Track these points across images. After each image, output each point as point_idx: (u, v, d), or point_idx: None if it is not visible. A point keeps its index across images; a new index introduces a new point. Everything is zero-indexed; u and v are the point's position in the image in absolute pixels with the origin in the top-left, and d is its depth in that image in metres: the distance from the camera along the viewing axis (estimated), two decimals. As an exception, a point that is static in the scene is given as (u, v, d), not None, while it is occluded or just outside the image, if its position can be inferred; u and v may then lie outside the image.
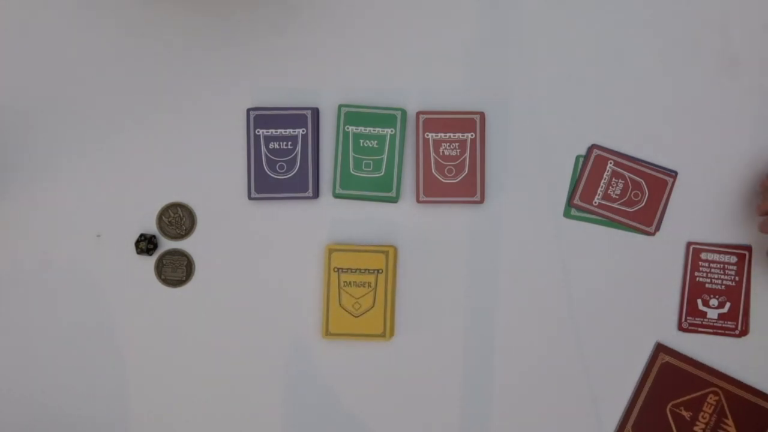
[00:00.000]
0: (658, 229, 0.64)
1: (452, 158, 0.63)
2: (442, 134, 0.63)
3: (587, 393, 0.64)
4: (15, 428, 0.65)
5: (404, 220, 0.65)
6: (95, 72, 0.65)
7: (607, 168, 0.62)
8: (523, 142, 0.65)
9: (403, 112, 0.64)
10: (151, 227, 0.65)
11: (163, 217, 0.65)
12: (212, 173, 0.65)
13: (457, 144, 0.63)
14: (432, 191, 0.63)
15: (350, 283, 0.63)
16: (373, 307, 0.63)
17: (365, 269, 0.63)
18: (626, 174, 0.61)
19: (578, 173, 0.63)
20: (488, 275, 0.64)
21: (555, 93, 0.65)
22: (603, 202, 0.62)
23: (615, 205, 0.63)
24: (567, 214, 0.64)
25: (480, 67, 0.65)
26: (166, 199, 0.65)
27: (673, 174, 0.63)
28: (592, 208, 0.62)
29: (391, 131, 0.64)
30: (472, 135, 0.63)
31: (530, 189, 0.65)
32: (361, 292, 0.63)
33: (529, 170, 0.65)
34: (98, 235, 0.65)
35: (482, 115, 0.63)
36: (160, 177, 0.65)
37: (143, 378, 0.65)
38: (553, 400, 0.64)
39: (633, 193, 0.62)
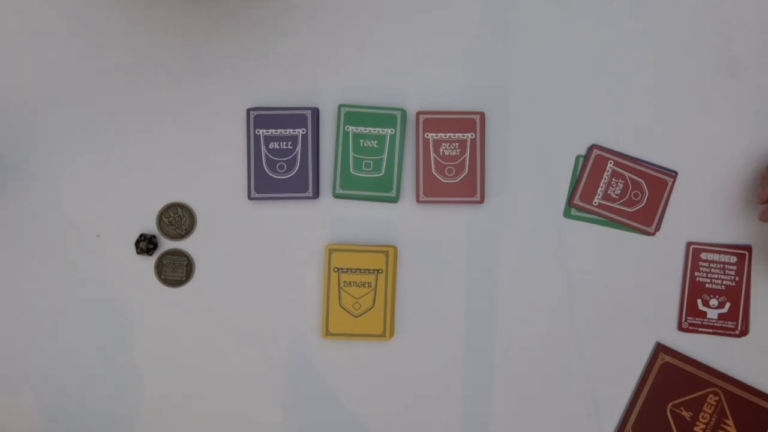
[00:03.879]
0: (658, 229, 0.64)
1: (452, 158, 0.63)
2: (442, 134, 0.63)
3: (587, 393, 0.64)
4: (15, 428, 0.65)
5: (404, 220, 0.65)
6: (95, 72, 0.65)
7: (607, 168, 0.62)
8: (523, 142, 0.65)
9: (403, 112, 0.64)
10: (151, 227, 0.65)
11: (163, 217, 0.65)
12: (212, 173, 0.65)
13: (457, 144, 0.63)
14: (432, 191, 0.63)
15: (350, 283, 0.63)
16: (373, 307, 0.63)
17: (365, 269, 0.63)
18: (626, 174, 0.62)
19: (578, 173, 0.63)
20: (488, 275, 0.64)
21: (555, 93, 0.65)
22: (603, 202, 0.62)
23: (615, 205, 0.63)
24: (567, 215, 0.64)
25: (480, 67, 0.65)
26: (166, 199, 0.65)
27: (673, 174, 0.63)
28: (592, 208, 0.63)
29: (391, 131, 0.64)
30: (472, 135, 0.63)
31: (530, 189, 0.65)
32: (361, 292, 0.63)
33: (529, 170, 0.65)
34: (98, 235, 0.65)
35: (482, 115, 0.63)
36: (160, 177, 0.65)
37: (143, 378, 0.65)
38: (553, 400, 0.64)
39: (633, 193, 0.62)
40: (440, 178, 0.63)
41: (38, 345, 0.65)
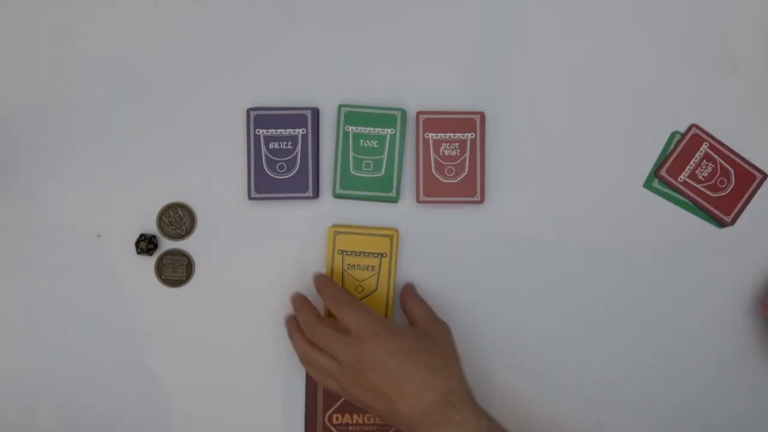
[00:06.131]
0: (734, 221, 0.64)
1: (452, 158, 0.63)
2: (442, 134, 0.63)
3: (587, 393, 0.64)
4: (14, 428, 0.65)
5: (404, 220, 0.65)
6: (95, 72, 0.65)
7: (701, 149, 0.62)
8: (523, 142, 0.65)
9: (403, 112, 0.64)
10: (151, 227, 0.65)
11: (163, 217, 0.65)
12: (212, 173, 0.65)
13: (457, 144, 0.63)
14: (432, 191, 0.63)
15: (354, 266, 0.63)
16: (376, 290, 0.63)
17: (370, 253, 0.63)
18: (718, 159, 0.62)
19: (670, 149, 0.63)
20: (488, 275, 0.64)
21: (555, 93, 0.65)
22: (688, 181, 0.62)
23: (699, 186, 0.62)
24: (648, 185, 0.63)
25: (480, 67, 0.65)
26: (166, 199, 0.65)
27: (764, 174, 0.63)
28: (677, 183, 0.62)
29: (391, 131, 0.64)
30: (472, 135, 0.63)
31: (530, 189, 0.64)
32: (365, 275, 0.63)
33: (529, 170, 0.65)
34: (98, 235, 0.65)
35: (482, 115, 0.63)
36: (160, 177, 0.65)
37: (143, 378, 0.65)
38: (553, 399, 0.64)
39: (719, 179, 0.62)
40: (440, 178, 0.63)
41: (37, 345, 0.65)
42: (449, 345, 0.58)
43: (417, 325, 0.59)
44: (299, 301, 0.61)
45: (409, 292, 0.62)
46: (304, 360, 0.59)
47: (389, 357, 0.54)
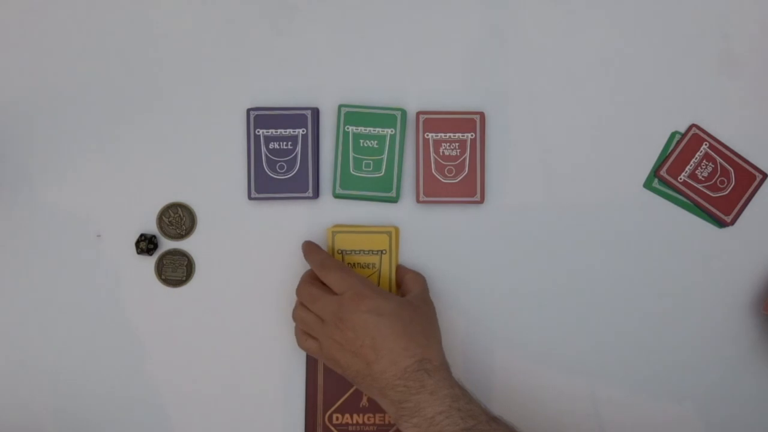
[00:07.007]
0: (734, 221, 0.64)
1: (452, 158, 0.63)
2: (442, 134, 0.63)
3: (586, 392, 0.64)
4: (14, 428, 0.65)
5: (404, 220, 0.65)
6: (95, 72, 0.65)
7: (701, 149, 0.62)
8: (523, 142, 0.65)
9: (403, 112, 0.64)
10: (151, 227, 0.65)
11: (163, 217, 0.65)
12: (212, 173, 0.65)
13: (457, 144, 0.63)
14: (432, 191, 0.63)
15: (354, 264, 0.63)
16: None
17: (369, 251, 0.63)
18: (718, 159, 0.62)
19: (670, 149, 0.63)
20: (488, 275, 0.64)
21: (555, 93, 0.65)
22: (688, 180, 0.62)
23: (699, 186, 0.63)
24: (648, 185, 0.64)
25: (480, 67, 0.65)
26: (166, 199, 0.65)
27: (764, 174, 0.63)
28: (677, 183, 0.62)
29: (391, 131, 0.64)
30: (472, 135, 0.63)
31: (530, 189, 0.65)
32: (366, 273, 0.63)
33: (529, 170, 0.65)
34: (98, 235, 0.65)
35: (482, 115, 0.63)
36: (160, 177, 0.65)
37: (143, 378, 0.65)
38: (553, 400, 0.64)
39: (720, 179, 0.62)
40: (440, 178, 0.63)
41: (38, 345, 0.65)
42: (432, 319, 0.58)
43: (406, 297, 0.59)
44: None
45: (407, 268, 0.63)
46: (293, 315, 0.60)
47: (369, 316, 0.54)
